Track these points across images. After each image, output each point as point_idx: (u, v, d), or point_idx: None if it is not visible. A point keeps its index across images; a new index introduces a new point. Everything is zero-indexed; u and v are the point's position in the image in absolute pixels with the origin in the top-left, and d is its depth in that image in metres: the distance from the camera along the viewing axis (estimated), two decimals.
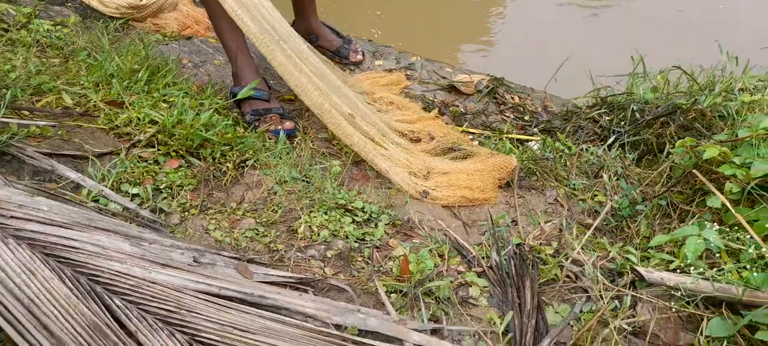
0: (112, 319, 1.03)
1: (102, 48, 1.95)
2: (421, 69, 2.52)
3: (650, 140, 1.92)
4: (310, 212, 1.52)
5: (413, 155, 1.74)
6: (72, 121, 1.63)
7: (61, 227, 1.19)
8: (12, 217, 1.17)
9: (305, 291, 1.25)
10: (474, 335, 1.23)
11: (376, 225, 1.53)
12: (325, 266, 1.37)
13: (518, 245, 1.50)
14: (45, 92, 1.72)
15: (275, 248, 1.40)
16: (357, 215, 1.54)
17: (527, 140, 2.07)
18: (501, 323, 1.24)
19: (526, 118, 2.26)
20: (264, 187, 1.59)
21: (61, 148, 1.53)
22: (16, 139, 1.48)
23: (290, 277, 1.28)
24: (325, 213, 1.52)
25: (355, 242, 1.46)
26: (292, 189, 1.59)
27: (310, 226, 1.47)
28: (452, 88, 2.40)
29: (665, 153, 1.83)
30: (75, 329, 0.97)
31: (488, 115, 2.27)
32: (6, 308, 0.98)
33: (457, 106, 2.28)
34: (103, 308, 1.04)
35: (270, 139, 1.80)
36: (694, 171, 1.51)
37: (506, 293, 1.35)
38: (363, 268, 1.39)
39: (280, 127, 1.84)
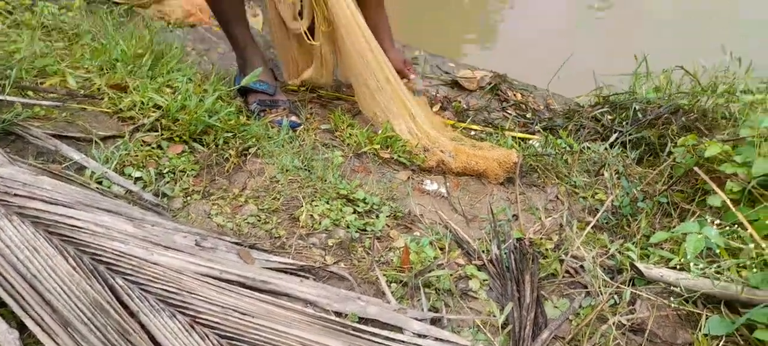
0: (114, 298, 1.03)
1: (106, 32, 1.95)
2: (424, 63, 2.52)
3: (652, 140, 1.92)
4: (312, 200, 1.52)
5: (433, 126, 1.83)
6: (76, 103, 1.63)
7: (65, 206, 1.19)
8: (16, 195, 1.17)
9: (306, 278, 1.26)
10: (473, 326, 1.23)
11: (377, 216, 1.53)
12: (326, 254, 1.37)
13: (519, 239, 1.50)
14: (49, 74, 1.72)
15: (277, 235, 1.40)
16: (358, 206, 1.55)
17: (529, 138, 2.07)
18: (500, 316, 1.25)
19: (529, 115, 2.26)
20: (266, 175, 1.59)
21: (65, 130, 1.53)
22: (21, 118, 1.48)
23: (291, 264, 1.29)
24: (327, 203, 1.52)
25: (356, 231, 1.46)
26: (294, 178, 1.60)
27: (311, 214, 1.47)
28: (455, 84, 2.40)
29: (666, 152, 1.84)
30: (77, 306, 0.98)
31: (490, 111, 2.27)
32: (9, 282, 0.98)
33: (460, 101, 2.28)
34: (106, 287, 1.04)
35: (272, 127, 1.80)
36: (696, 168, 1.51)
37: (506, 287, 1.35)
38: (364, 257, 1.40)
39: (284, 117, 1.84)
